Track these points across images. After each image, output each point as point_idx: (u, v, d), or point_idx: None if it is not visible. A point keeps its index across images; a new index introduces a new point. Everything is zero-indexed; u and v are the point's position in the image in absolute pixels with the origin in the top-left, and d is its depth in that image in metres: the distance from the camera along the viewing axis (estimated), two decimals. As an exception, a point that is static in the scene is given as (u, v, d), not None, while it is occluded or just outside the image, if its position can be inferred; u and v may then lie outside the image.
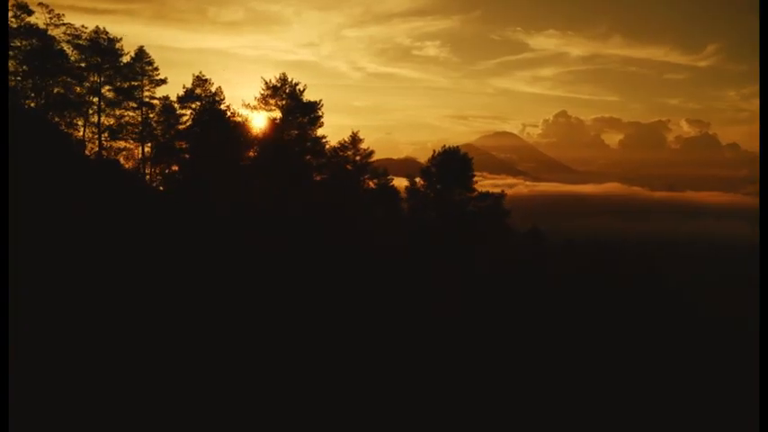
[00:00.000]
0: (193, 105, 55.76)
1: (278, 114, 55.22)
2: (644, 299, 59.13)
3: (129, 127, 54.97)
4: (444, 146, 60.56)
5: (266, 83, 55.36)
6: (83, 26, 52.24)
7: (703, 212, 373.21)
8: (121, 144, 54.95)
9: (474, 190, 60.06)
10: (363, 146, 58.68)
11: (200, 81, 55.99)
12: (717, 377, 43.75)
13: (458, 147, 61.17)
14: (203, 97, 55.62)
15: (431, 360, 36.29)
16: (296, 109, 55.08)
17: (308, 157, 56.13)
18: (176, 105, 55.64)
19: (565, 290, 54.02)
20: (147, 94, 55.58)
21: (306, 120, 55.50)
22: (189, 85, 55.78)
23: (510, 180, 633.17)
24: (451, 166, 59.59)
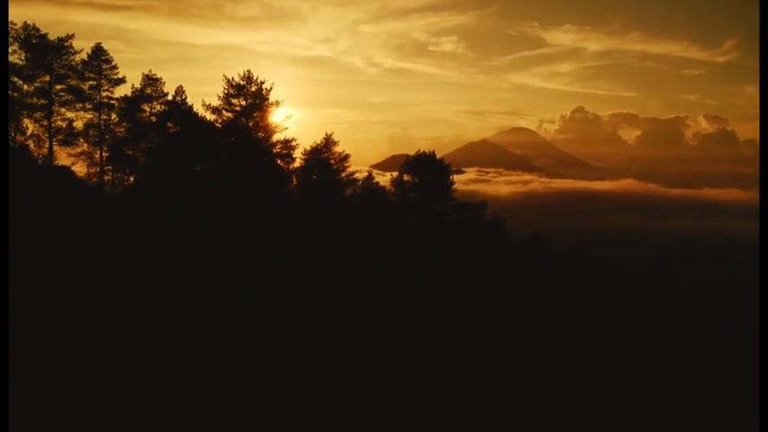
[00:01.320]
0: (145, 106, 52.25)
1: (244, 115, 51.60)
2: (652, 303, 57.86)
3: (90, 129, 51.36)
4: (419, 150, 57.01)
5: (229, 81, 51.44)
6: (12, 22, 47.05)
7: (720, 210, 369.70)
8: (77, 149, 50.96)
9: (453, 199, 56.02)
10: (338, 149, 54.87)
11: (151, 80, 52.25)
12: (729, 378, 43.17)
13: (433, 151, 57.16)
14: (154, 97, 52.07)
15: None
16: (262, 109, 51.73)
17: (278, 161, 52.74)
18: (125, 107, 51.89)
19: (563, 304, 50.34)
20: (105, 94, 51.64)
21: (274, 122, 52.20)
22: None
23: (526, 176, 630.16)
24: (426, 174, 55.62)
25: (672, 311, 57.72)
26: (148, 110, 52.88)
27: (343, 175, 55.18)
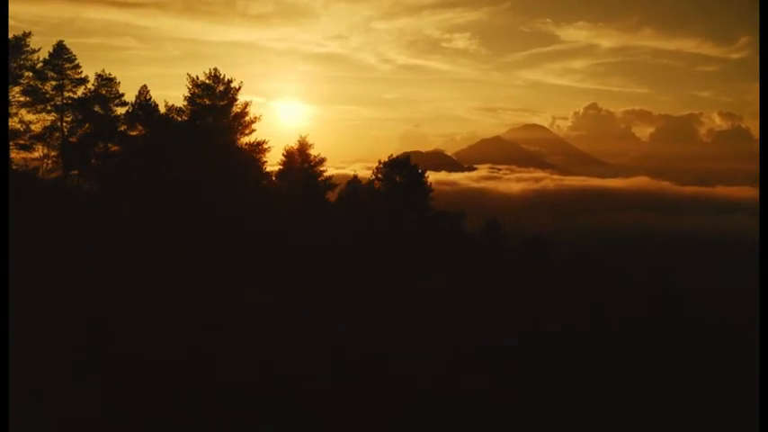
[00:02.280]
0: (98, 108, 48.69)
1: (210, 116, 48.41)
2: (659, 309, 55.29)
3: (52, 132, 48.38)
4: (391, 155, 53.57)
5: (194, 80, 48.03)
6: None
7: (734, 208, 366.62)
8: (35, 153, 48.10)
9: (430, 209, 52.66)
10: (314, 152, 52.14)
11: (105, 81, 48.62)
12: (741, 379, 42.36)
13: (408, 157, 53.68)
14: (109, 98, 48.55)
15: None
16: (230, 109, 48.70)
17: (249, 164, 49.62)
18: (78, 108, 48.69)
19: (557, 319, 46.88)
20: (67, 95, 48.46)
21: (240, 121, 49.15)
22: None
23: (538, 173, 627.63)
24: (401, 181, 51.91)
25: (679, 316, 56.82)
26: (103, 111, 49.17)
27: (320, 179, 52.56)
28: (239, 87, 48.77)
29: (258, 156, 50.49)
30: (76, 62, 48.44)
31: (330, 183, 53.81)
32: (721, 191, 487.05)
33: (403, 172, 52.59)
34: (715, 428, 37.06)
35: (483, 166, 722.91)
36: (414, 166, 53.64)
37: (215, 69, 47.95)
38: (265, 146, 50.43)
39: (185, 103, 48.87)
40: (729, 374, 43.31)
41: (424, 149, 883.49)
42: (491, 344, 38.22)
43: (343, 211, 52.37)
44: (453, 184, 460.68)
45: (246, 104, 49.65)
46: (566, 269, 62.31)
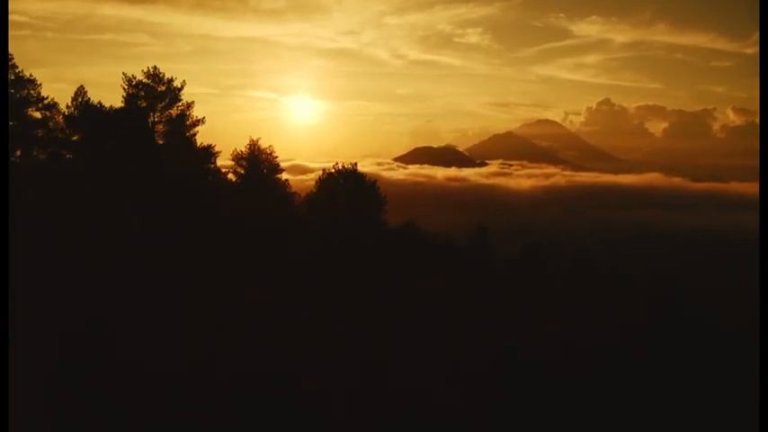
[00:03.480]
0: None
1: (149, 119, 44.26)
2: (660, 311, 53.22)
3: None
4: (336, 164, 48.38)
5: (129, 80, 43.38)
6: None
7: (749, 204, 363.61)
8: None
9: (383, 224, 48.11)
10: (268, 153, 48.53)
11: (24, 82, 41.95)
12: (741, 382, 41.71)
13: (355, 165, 48.15)
14: (31, 101, 42.00)
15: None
16: (171, 110, 44.60)
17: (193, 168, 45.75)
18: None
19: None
20: None
21: (184, 124, 45.00)
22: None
23: (549, 170, 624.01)
24: (348, 193, 47.34)
25: (683, 316, 55.92)
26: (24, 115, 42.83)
27: (270, 181, 48.97)
28: (182, 86, 44.26)
29: (207, 160, 45.94)
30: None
31: (285, 191, 49.44)
32: (735, 187, 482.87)
33: (352, 183, 47.40)
34: (715, 428, 36.99)
35: (494, 161, 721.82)
36: (361, 176, 47.59)
37: (154, 68, 43.67)
38: (213, 150, 45.94)
39: (122, 104, 44.00)
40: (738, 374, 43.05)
41: (435, 145, 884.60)
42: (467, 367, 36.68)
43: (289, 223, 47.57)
44: (463, 180, 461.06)
45: (189, 105, 44.86)
46: (562, 278, 59.72)
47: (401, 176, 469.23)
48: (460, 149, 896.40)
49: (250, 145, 48.31)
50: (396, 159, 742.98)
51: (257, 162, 48.17)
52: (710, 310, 66.86)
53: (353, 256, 43.56)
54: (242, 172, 48.37)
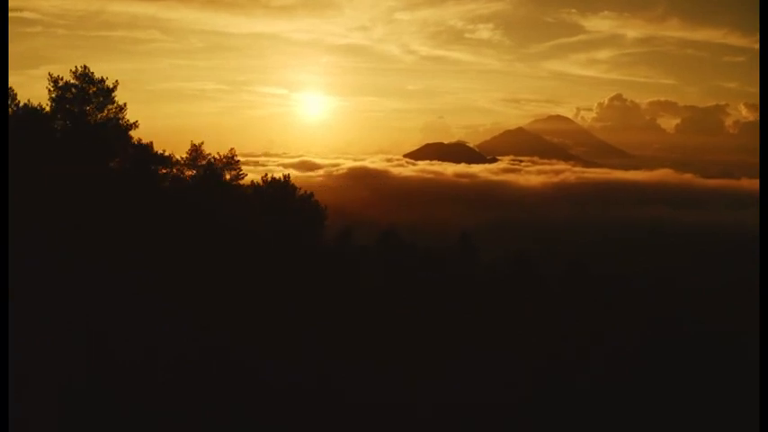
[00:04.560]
0: None
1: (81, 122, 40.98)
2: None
3: None
4: (265, 175, 45.71)
5: (55, 82, 39.69)
6: None
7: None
8: None
9: (317, 246, 45.40)
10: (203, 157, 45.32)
11: None
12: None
13: (287, 177, 45.16)
14: None
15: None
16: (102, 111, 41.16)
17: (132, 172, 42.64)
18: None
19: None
20: None
21: (116, 128, 41.63)
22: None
23: (559, 166, 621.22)
24: (283, 208, 43.60)
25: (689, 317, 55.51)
26: None
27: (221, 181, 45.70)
28: (114, 87, 40.58)
29: (145, 163, 43.02)
30: None
31: (239, 194, 45.98)
32: (747, 184, 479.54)
33: (283, 196, 43.62)
34: (715, 428, 37.12)
35: (505, 157, 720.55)
36: (294, 188, 44.06)
37: (84, 67, 39.95)
38: (155, 151, 43.29)
39: (51, 105, 40.25)
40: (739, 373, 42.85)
41: (446, 141, 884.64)
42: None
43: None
44: (472, 176, 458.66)
45: (121, 108, 41.43)
46: (558, 281, 58.63)
47: (410, 173, 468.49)
48: (471, 145, 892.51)
49: (191, 151, 45.28)
50: (406, 155, 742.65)
51: (198, 166, 45.16)
52: (719, 308, 66.60)
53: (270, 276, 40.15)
54: (179, 175, 45.44)
